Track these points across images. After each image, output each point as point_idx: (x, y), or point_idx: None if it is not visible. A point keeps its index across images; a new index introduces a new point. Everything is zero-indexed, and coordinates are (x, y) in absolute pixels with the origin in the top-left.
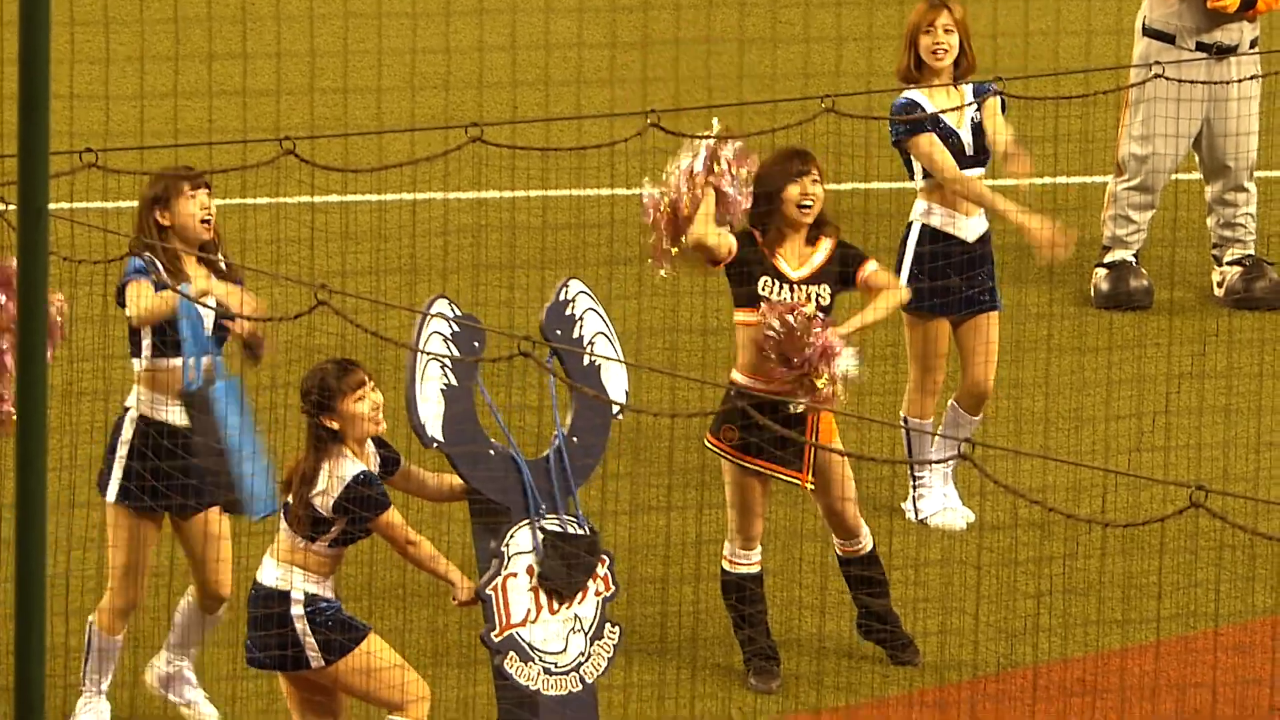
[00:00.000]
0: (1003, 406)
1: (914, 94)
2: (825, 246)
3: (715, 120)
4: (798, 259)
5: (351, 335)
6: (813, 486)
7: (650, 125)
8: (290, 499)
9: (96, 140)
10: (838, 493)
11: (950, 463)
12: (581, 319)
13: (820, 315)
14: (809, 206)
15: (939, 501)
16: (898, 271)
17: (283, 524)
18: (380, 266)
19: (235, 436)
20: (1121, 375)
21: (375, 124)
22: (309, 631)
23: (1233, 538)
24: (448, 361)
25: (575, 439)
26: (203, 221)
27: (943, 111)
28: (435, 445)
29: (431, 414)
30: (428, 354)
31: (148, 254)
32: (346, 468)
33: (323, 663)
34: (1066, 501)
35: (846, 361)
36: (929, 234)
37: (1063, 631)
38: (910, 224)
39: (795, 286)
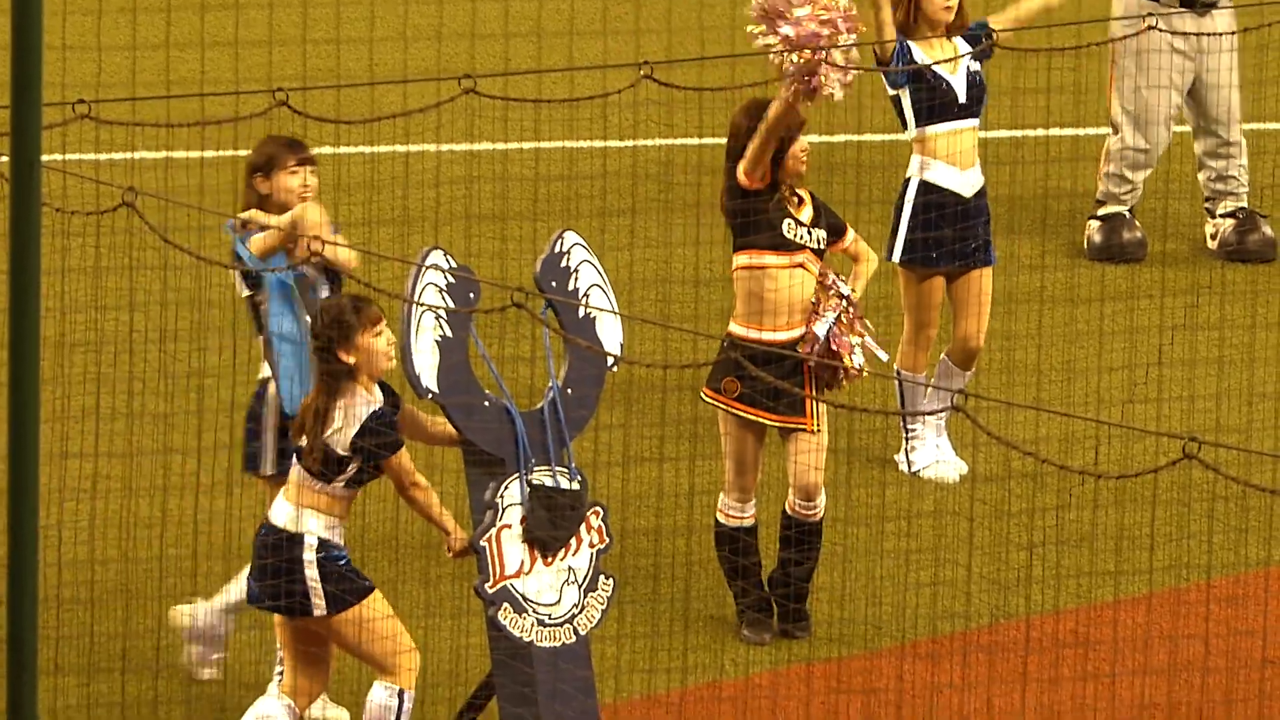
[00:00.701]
0: (995, 358)
1: (911, 43)
2: (808, 198)
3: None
4: (795, 205)
5: (345, 286)
6: (819, 430)
7: (643, 77)
8: (304, 440)
9: (89, 91)
10: (814, 441)
11: (942, 415)
12: (576, 271)
13: (850, 306)
14: (805, 157)
15: (931, 454)
16: (895, 226)
17: (296, 467)
18: (373, 218)
19: (280, 332)
20: (1114, 327)
21: (368, 75)
22: (318, 579)
23: (1225, 489)
24: (442, 312)
25: (569, 390)
26: (301, 198)
27: (938, 62)
28: (430, 396)
29: (426, 365)
30: (422, 305)
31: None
32: (361, 406)
33: (326, 612)
34: (1059, 453)
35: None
36: (925, 188)
37: (1055, 583)
38: (907, 180)
39: (811, 229)
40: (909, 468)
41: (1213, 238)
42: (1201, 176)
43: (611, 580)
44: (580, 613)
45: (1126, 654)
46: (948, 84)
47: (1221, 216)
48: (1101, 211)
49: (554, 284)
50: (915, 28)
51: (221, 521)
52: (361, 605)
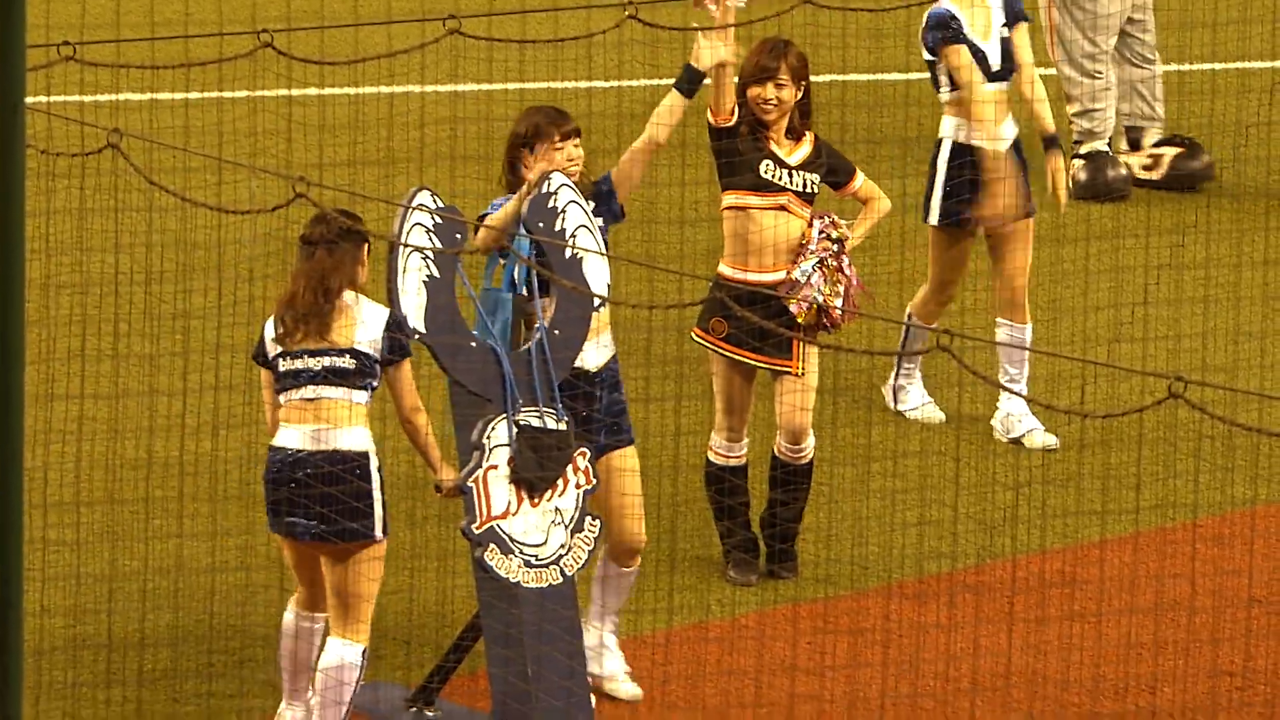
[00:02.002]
0: (980, 298)
1: (949, 5)
2: (808, 140)
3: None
4: (788, 147)
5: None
6: (804, 373)
7: (628, 17)
8: (329, 354)
9: (73, 33)
10: (801, 382)
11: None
12: (564, 211)
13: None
14: (769, 109)
15: (919, 397)
16: (930, 189)
17: (330, 389)
18: (357, 159)
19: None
20: (1100, 266)
21: (352, 17)
22: (381, 499)
23: (1211, 429)
24: (429, 253)
25: (556, 331)
26: (566, 173)
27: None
28: (416, 336)
29: (413, 305)
30: (409, 247)
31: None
32: (368, 304)
33: (383, 534)
34: (1045, 393)
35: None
36: (958, 150)
37: (1041, 523)
38: (940, 140)
39: (795, 172)
40: (894, 405)
41: (1148, 168)
42: (1125, 108)
43: (599, 521)
44: (567, 553)
45: (1113, 593)
46: (983, 51)
47: (1159, 145)
48: (1084, 150)
49: (541, 225)
50: None
51: (208, 463)
52: (384, 541)
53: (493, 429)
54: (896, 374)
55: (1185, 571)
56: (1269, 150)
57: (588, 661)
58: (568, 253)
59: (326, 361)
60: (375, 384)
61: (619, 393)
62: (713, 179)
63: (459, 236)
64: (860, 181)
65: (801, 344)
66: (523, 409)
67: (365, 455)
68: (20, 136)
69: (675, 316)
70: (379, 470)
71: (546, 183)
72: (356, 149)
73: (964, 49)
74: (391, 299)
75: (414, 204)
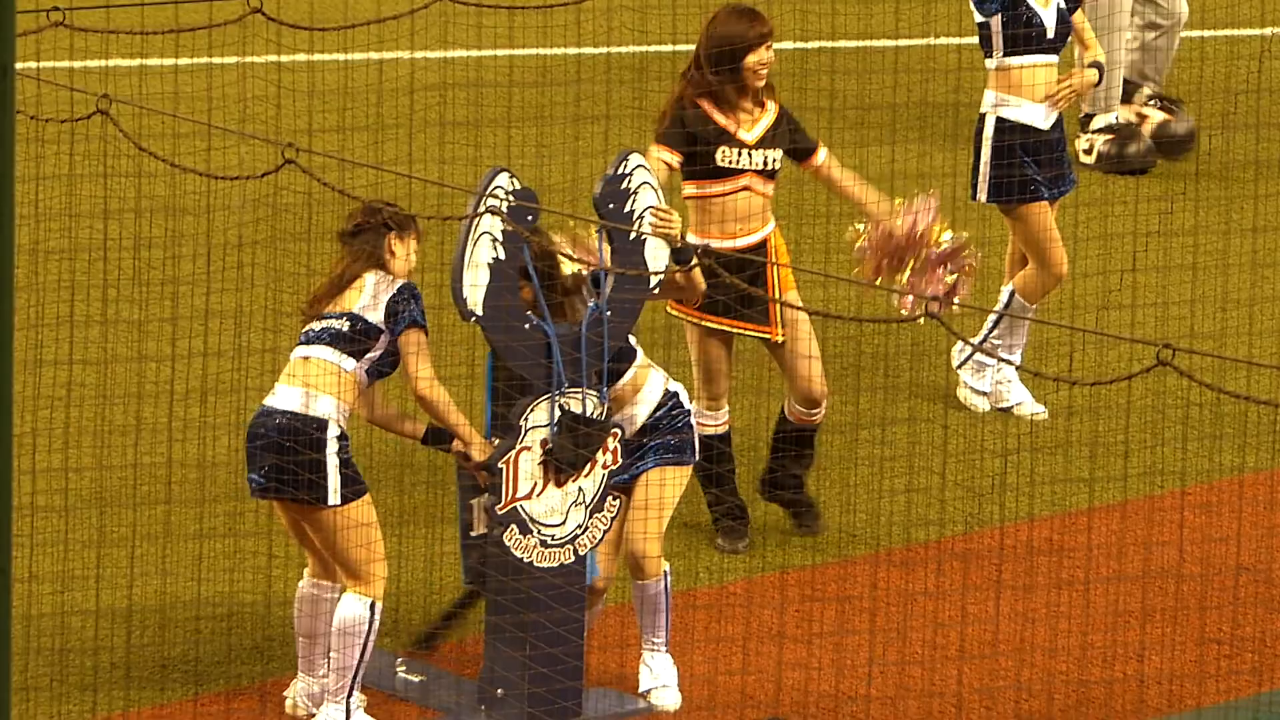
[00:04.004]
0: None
1: None
2: (771, 109)
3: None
4: (750, 120)
5: (319, 193)
6: (783, 339)
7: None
8: (329, 316)
9: None
10: (803, 350)
11: (1017, 350)
12: (636, 193)
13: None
14: (764, 72)
15: (1021, 391)
16: (977, 165)
17: (319, 349)
18: (347, 125)
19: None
20: (1088, 233)
21: None
22: (338, 467)
23: (1199, 396)
24: (498, 235)
25: (609, 313)
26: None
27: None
28: (473, 319)
29: (474, 287)
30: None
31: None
32: (387, 281)
33: (339, 501)
34: (1033, 360)
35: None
36: (1006, 125)
37: (1029, 491)
38: (983, 116)
39: (754, 151)
40: (982, 395)
41: (1138, 119)
42: (1130, 61)
43: (619, 500)
44: (583, 533)
45: (1101, 561)
46: (1040, 18)
47: (1150, 105)
48: (1099, 124)
49: (611, 206)
50: None
51: (196, 429)
52: (361, 502)
53: (531, 411)
54: (978, 356)
55: (1173, 539)
56: (1257, 118)
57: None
58: (631, 235)
59: (325, 324)
60: (375, 354)
61: (682, 417)
62: None
63: (530, 219)
64: (823, 158)
65: (779, 309)
66: (567, 391)
67: (324, 423)
68: (9, 102)
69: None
70: (340, 439)
71: (623, 163)
72: (346, 115)
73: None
74: (454, 278)
75: (493, 185)
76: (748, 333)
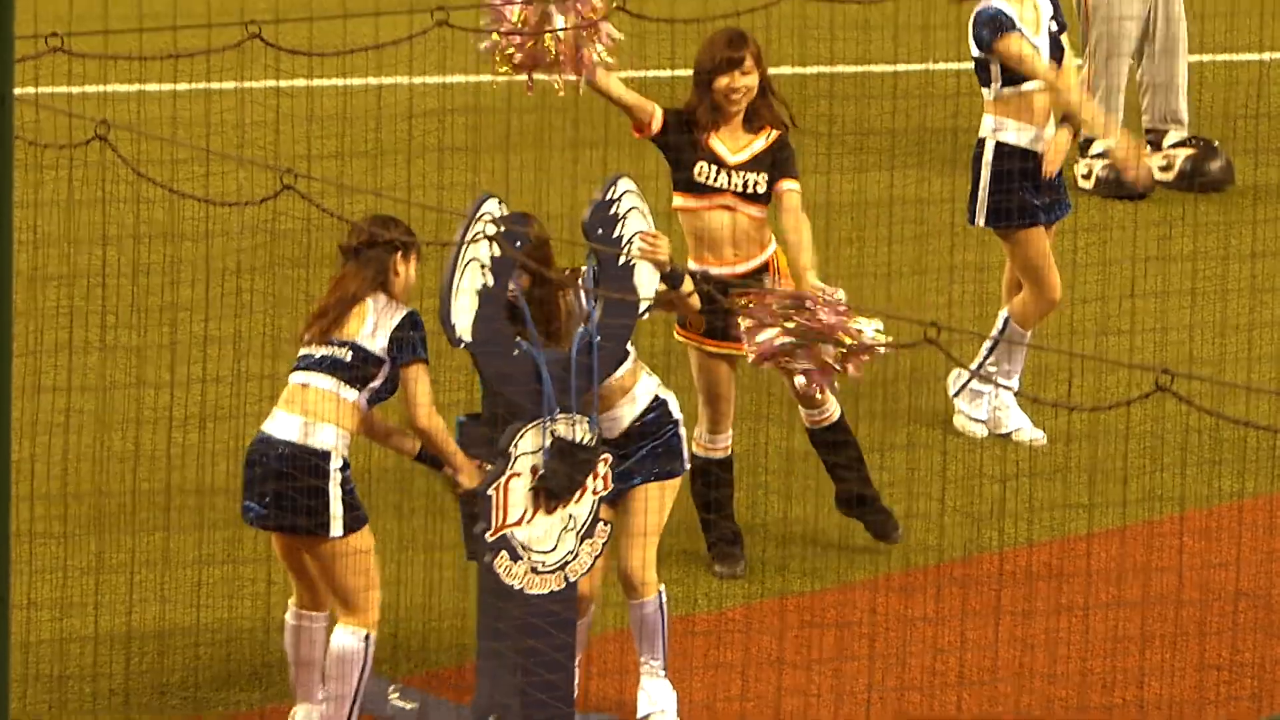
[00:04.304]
0: (968, 290)
1: (999, 3)
2: (768, 136)
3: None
4: (738, 143)
5: (317, 219)
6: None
7: (615, 9)
8: (332, 344)
9: (61, 24)
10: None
11: (1014, 375)
12: (625, 218)
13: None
14: (738, 98)
15: (1020, 417)
16: (975, 190)
17: (320, 377)
18: (345, 150)
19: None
20: (1087, 259)
21: (340, 8)
22: (341, 496)
23: (1198, 421)
24: (488, 262)
25: (599, 338)
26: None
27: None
28: (462, 344)
29: (463, 314)
30: (466, 253)
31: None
32: (392, 309)
33: (342, 532)
34: (1032, 385)
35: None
36: (1005, 151)
37: (1029, 516)
38: (982, 140)
39: (733, 172)
40: (980, 421)
41: (1164, 169)
42: (1146, 105)
43: (609, 527)
44: (574, 559)
45: (1100, 587)
46: (1034, 46)
47: (1173, 147)
48: (1098, 149)
49: (600, 231)
50: None
51: (195, 456)
52: (360, 533)
53: (521, 437)
54: (973, 383)
55: (1172, 564)
56: (1256, 143)
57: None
58: (620, 260)
59: (326, 351)
60: (376, 384)
61: (670, 428)
62: None
63: (519, 244)
64: (788, 186)
65: None
66: (558, 417)
67: (326, 454)
68: (8, 128)
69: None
70: (342, 470)
71: (612, 188)
72: (344, 141)
73: (1015, 37)
74: (442, 304)
75: (481, 211)
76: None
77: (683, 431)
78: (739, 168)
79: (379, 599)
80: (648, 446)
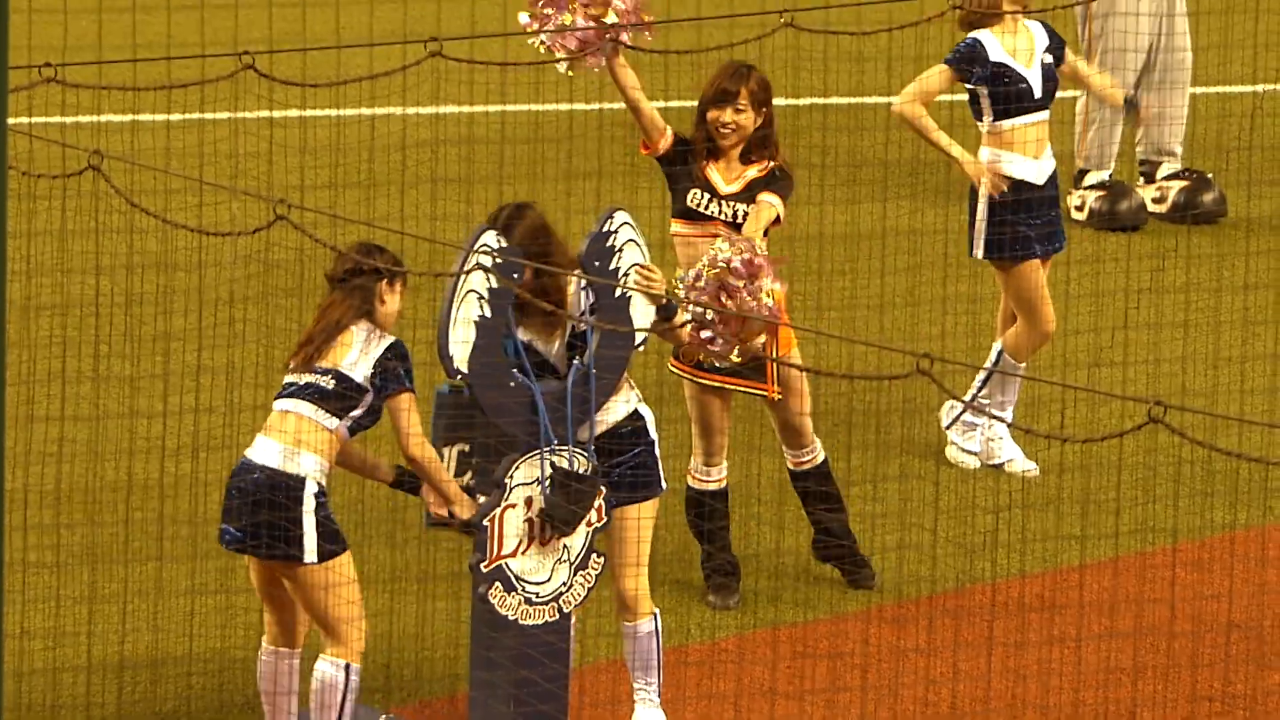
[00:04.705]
0: (961, 321)
1: (981, 34)
2: (760, 168)
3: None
4: (732, 174)
5: (310, 249)
6: (780, 397)
7: (609, 41)
8: (316, 371)
9: (55, 54)
10: (796, 406)
11: (1009, 406)
12: (621, 250)
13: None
14: (726, 133)
15: (1012, 448)
16: (972, 221)
17: (302, 404)
18: (338, 181)
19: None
20: (1080, 290)
21: (334, 38)
22: (315, 525)
23: (1191, 453)
24: (485, 294)
25: (594, 369)
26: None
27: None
28: (458, 376)
29: (460, 345)
30: (464, 284)
31: None
32: (378, 337)
33: (315, 559)
34: (1025, 417)
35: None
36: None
37: (1021, 547)
38: None
39: (724, 201)
40: (971, 453)
41: (1158, 201)
42: (1140, 138)
43: (603, 558)
44: (567, 590)
45: (1092, 618)
46: (1025, 79)
47: (1166, 179)
48: (1092, 180)
49: (597, 264)
50: (997, 17)
51: (187, 485)
52: (339, 561)
53: (516, 468)
54: (966, 415)
55: (1164, 596)
56: (1249, 175)
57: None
58: (616, 292)
59: (310, 378)
60: (358, 413)
61: (642, 447)
62: None
63: (516, 276)
64: (765, 198)
65: (776, 367)
66: (554, 451)
67: (302, 480)
68: (2, 157)
69: (655, 339)
70: (318, 497)
71: (608, 220)
72: (338, 171)
73: (946, 73)
74: (440, 335)
75: (478, 244)
76: (747, 390)
77: (657, 451)
78: (730, 198)
79: (364, 629)
80: (620, 469)
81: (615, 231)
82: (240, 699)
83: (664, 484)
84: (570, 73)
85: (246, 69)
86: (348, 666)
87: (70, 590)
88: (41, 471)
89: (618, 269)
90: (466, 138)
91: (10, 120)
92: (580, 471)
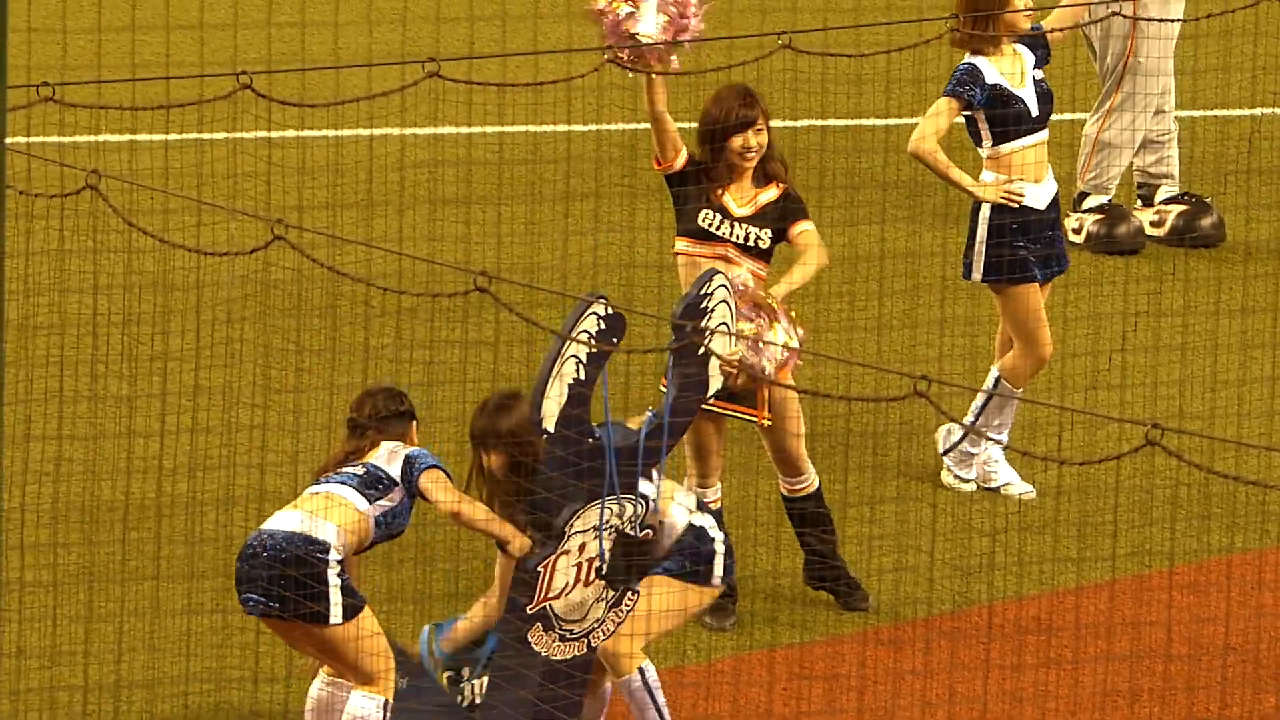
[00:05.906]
0: (959, 344)
1: (977, 60)
2: (774, 190)
3: None
4: (744, 197)
5: (308, 270)
6: (770, 422)
7: (607, 61)
8: (350, 465)
9: (53, 74)
10: (791, 429)
11: (1004, 430)
12: (711, 313)
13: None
14: (751, 156)
15: (1009, 471)
16: (971, 244)
17: (332, 486)
18: (337, 201)
19: None
20: (1077, 313)
21: (332, 59)
22: (340, 588)
23: (1188, 476)
24: (584, 358)
25: (664, 421)
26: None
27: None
28: (545, 435)
29: (553, 406)
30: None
31: None
32: (402, 449)
33: (340, 619)
34: (1022, 439)
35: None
36: (1001, 206)
37: (1018, 569)
38: None
39: (737, 223)
40: (968, 477)
41: (1156, 224)
42: (1137, 162)
43: (636, 594)
44: (599, 626)
45: (1089, 640)
46: (1020, 101)
47: (1165, 203)
48: (1091, 204)
49: (689, 327)
50: (993, 42)
51: (184, 505)
52: (361, 615)
53: (578, 517)
54: (964, 444)
55: (1161, 619)
56: (1248, 198)
57: None
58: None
59: (341, 471)
60: (388, 504)
61: (693, 545)
62: None
63: (615, 340)
64: (803, 227)
65: (768, 392)
66: (617, 499)
67: (326, 545)
68: (0, 176)
69: (654, 361)
70: (340, 563)
71: (707, 283)
72: (336, 191)
73: (949, 102)
74: (535, 393)
75: (588, 311)
76: (739, 415)
77: (719, 548)
78: (743, 220)
79: (393, 668)
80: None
81: (711, 294)
82: (236, 718)
83: (716, 580)
84: (632, 67)
85: (245, 89)
86: (385, 703)
87: (67, 609)
88: (38, 491)
89: (707, 327)
90: (465, 159)
91: (8, 139)
92: (637, 521)
